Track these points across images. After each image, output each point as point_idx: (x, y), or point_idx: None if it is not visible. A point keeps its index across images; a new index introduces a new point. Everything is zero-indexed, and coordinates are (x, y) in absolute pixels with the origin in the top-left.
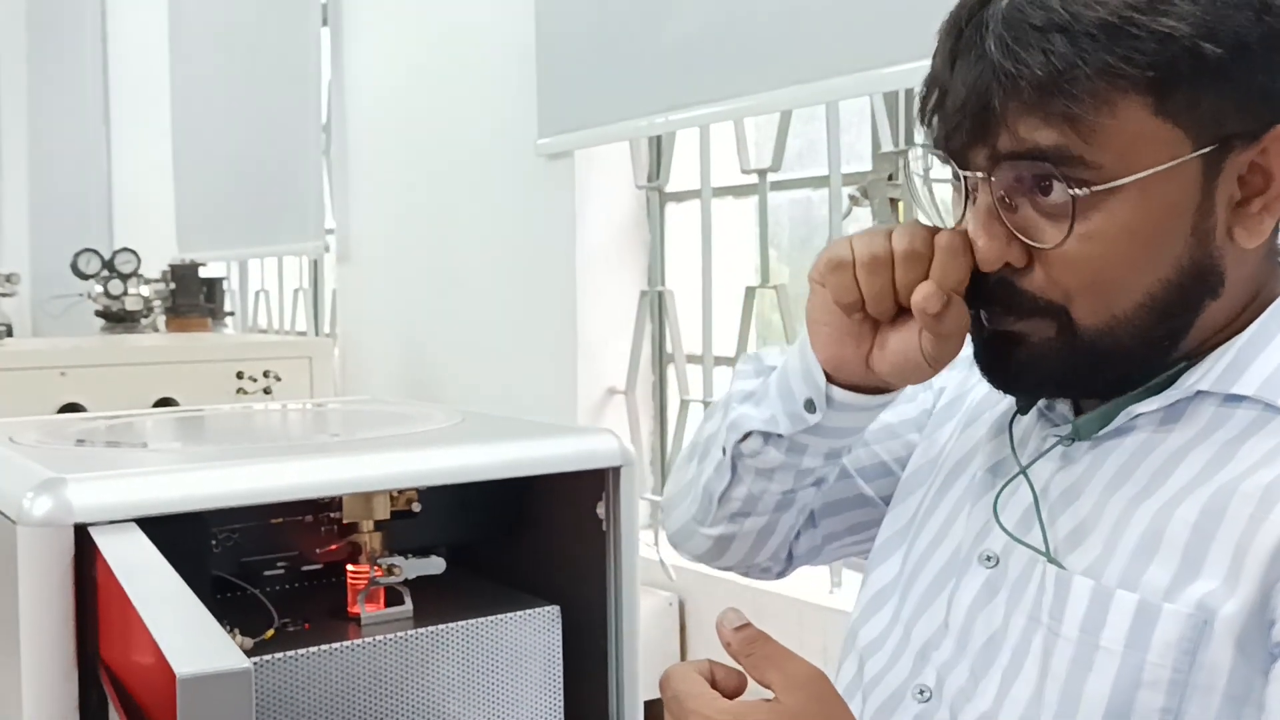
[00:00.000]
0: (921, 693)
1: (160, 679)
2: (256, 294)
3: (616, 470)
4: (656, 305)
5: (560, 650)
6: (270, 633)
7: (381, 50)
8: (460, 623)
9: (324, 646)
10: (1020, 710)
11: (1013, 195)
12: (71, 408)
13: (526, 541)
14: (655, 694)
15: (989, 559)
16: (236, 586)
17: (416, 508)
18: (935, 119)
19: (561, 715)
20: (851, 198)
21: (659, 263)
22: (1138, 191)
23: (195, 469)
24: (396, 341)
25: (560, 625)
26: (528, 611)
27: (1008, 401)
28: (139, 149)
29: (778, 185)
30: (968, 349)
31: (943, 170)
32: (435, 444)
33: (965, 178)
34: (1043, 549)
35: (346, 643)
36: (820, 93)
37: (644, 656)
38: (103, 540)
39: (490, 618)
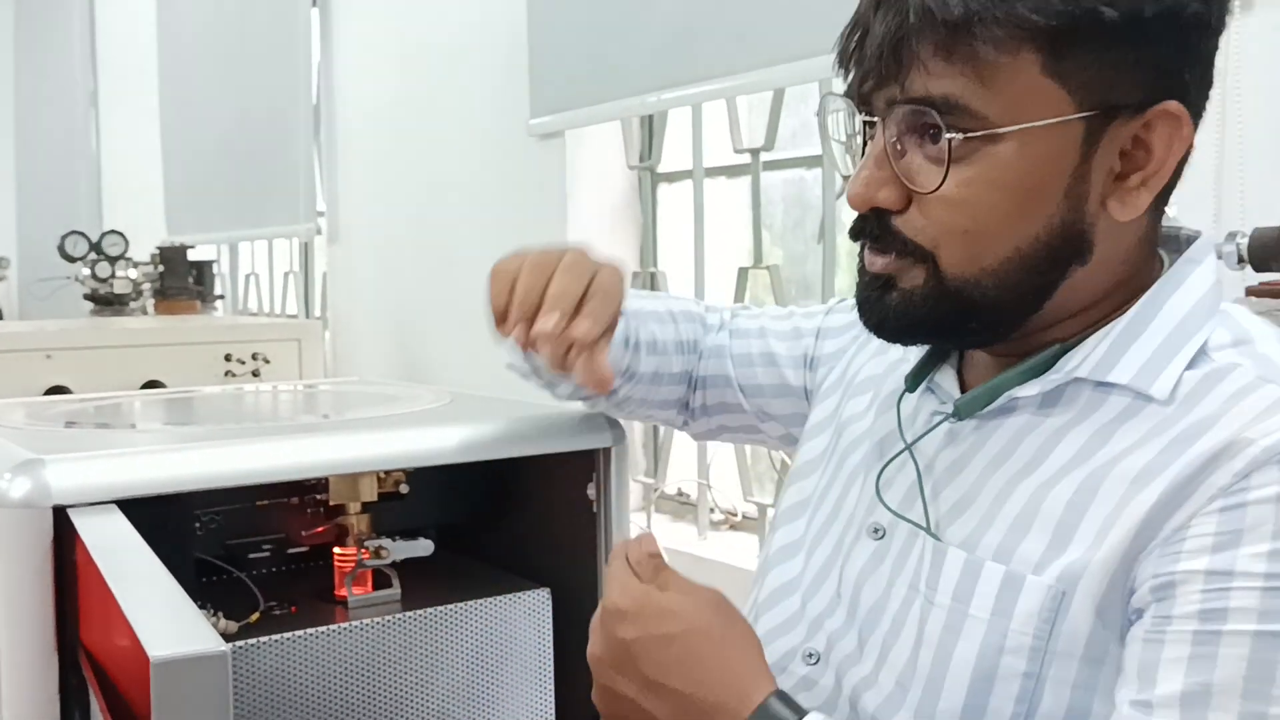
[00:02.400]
0: (809, 656)
1: (136, 662)
2: (247, 277)
3: (607, 451)
4: (649, 286)
5: (551, 633)
6: (255, 616)
7: (371, 31)
8: (449, 606)
9: (310, 630)
10: (897, 673)
11: (904, 140)
12: (57, 390)
13: (516, 523)
14: None
15: (876, 531)
16: (221, 569)
17: (404, 489)
18: (853, 62)
19: (552, 699)
20: (845, 177)
21: (651, 244)
22: (1017, 145)
23: (176, 450)
24: (387, 323)
25: (551, 608)
26: (518, 594)
27: (896, 378)
28: (127, 131)
29: (771, 165)
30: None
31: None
32: (423, 425)
33: (865, 123)
34: (923, 523)
35: (333, 626)
36: (814, 70)
37: None
38: (81, 522)
39: (480, 601)
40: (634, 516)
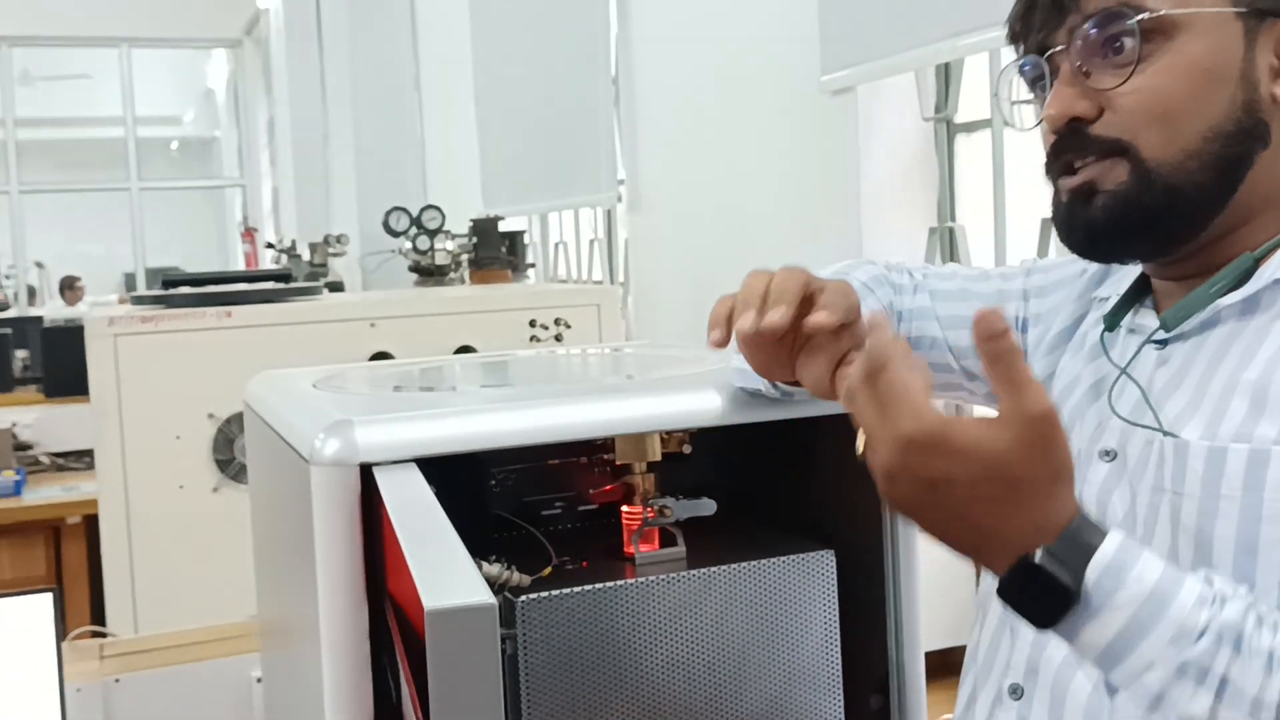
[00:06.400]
0: None
1: (419, 611)
2: (556, 245)
3: None
4: (947, 242)
5: (835, 596)
6: (548, 570)
7: (665, 1)
8: (734, 565)
9: (599, 585)
10: None
11: (1088, 62)
12: (381, 355)
13: (799, 485)
14: (939, 645)
15: (1107, 453)
16: (517, 525)
17: (687, 449)
18: (1026, 22)
19: (838, 662)
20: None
21: (948, 197)
22: (1190, 36)
23: (468, 412)
24: (685, 287)
25: (835, 570)
26: (802, 555)
27: (1097, 333)
28: (447, 111)
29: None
30: (1077, 283)
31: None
32: (704, 386)
33: (1049, 60)
34: (1156, 426)
35: (621, 582)
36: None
37: (931, 606)
38: (382, 478)
39: (763, 561)
40: None
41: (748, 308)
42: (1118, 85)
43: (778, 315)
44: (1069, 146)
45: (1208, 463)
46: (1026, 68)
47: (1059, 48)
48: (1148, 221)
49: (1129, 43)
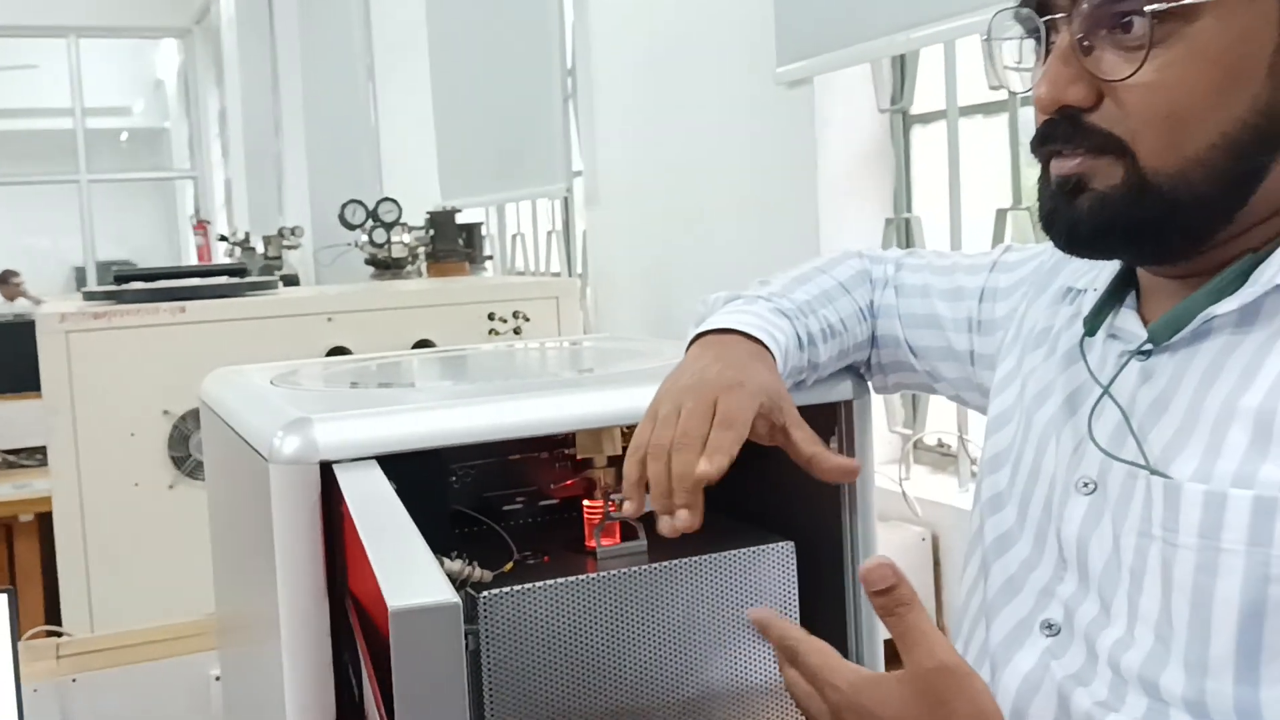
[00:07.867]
0: (1048, 627)
1: (382, 609)
2: (513, 237)
3: (849, 404)
4: (903, 233)
5: (795, 587)
6: (509, 566)
7: None
8: (694, 558)
9: (561, 579)
10: (1153, 627)
11: (1091, 35)
12: (338, 350)
13: (759, 477)
14: None
15: (1086, 485)
16: (478, 521)
17: None
18: None
19: None
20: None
21: (905, 188)
22: (1214, 20)
23: (429, 409)
24: (644, 279)
25: (795, 561)
26: (762, 547)
27: (1072, 333)
28: (402, 102)
29: (1030, 100)
30: (1028, 266)
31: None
32: (663, 379)
33: (1045, 26)
34: (1142, 462)
35: (582, 576)
36: None
37: None
38: (343, 476)
39: (724, 553)
40: (887, 469)
41: (660, 493)
42: (1123, 78)
43: (685, 520)
44: (1058, 135)
45: (1205, 510)
46: (1021, 17)
47: (1060, 14)
48: (1137, 232)
49: (1139, 23)
